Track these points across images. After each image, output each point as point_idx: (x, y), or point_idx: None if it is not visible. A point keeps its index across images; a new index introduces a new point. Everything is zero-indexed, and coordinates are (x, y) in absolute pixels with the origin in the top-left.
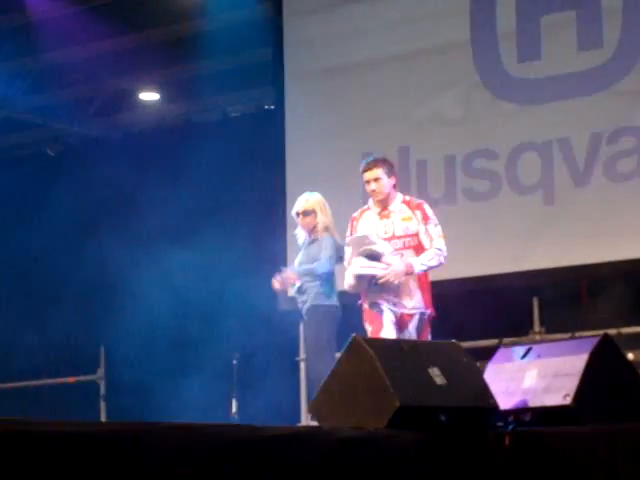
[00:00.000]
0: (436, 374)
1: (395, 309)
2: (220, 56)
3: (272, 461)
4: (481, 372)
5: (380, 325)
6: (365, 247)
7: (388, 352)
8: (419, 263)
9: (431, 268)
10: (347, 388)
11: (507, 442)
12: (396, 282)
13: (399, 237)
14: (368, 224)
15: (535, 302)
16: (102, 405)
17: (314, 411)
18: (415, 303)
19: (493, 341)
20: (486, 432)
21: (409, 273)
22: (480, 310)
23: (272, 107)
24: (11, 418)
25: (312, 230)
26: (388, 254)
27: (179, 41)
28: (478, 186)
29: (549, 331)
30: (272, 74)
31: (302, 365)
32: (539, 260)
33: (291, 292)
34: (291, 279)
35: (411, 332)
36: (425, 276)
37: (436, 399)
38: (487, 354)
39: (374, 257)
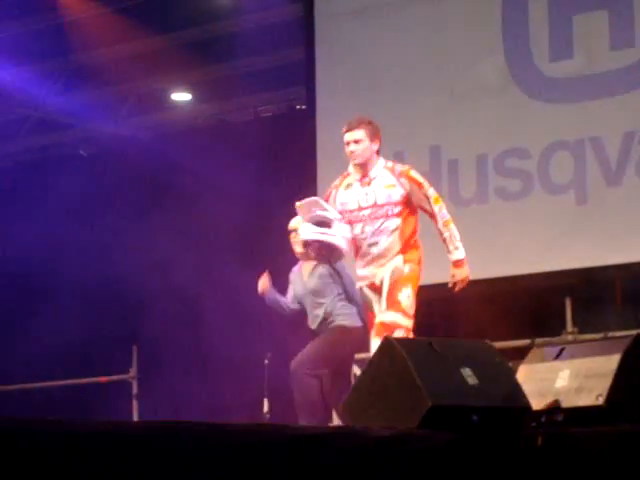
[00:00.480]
0: (468, 374)
1: (375, 280)
2: (252, 56)
3: (303, 461)
4: (513, 372)
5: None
6: (314, 213)
7: (420, 352)
8: (460, 248)
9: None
10: (378, 388)
11: (539, 442)
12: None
13: (381, 205)
14: (349, 194)
15: (568, 302)
16: (134, 404)
17: (346, 411)
18: (393, 267)
19: (525, 341)
20: (518, 433)
21: (466, 264)
22: (512, 310)
23: (303, 107)
24: (43, 418)
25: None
26: (337, 222)
27: (211, 41)
28: (510, 185)
29: (582, 331)
30: (304, 73)
31: None
32: (571, 260)
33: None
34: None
35: (383, 282)
36: (412, 237)
37: (468, 399)
38: (519, 354)
39: (324, 224)
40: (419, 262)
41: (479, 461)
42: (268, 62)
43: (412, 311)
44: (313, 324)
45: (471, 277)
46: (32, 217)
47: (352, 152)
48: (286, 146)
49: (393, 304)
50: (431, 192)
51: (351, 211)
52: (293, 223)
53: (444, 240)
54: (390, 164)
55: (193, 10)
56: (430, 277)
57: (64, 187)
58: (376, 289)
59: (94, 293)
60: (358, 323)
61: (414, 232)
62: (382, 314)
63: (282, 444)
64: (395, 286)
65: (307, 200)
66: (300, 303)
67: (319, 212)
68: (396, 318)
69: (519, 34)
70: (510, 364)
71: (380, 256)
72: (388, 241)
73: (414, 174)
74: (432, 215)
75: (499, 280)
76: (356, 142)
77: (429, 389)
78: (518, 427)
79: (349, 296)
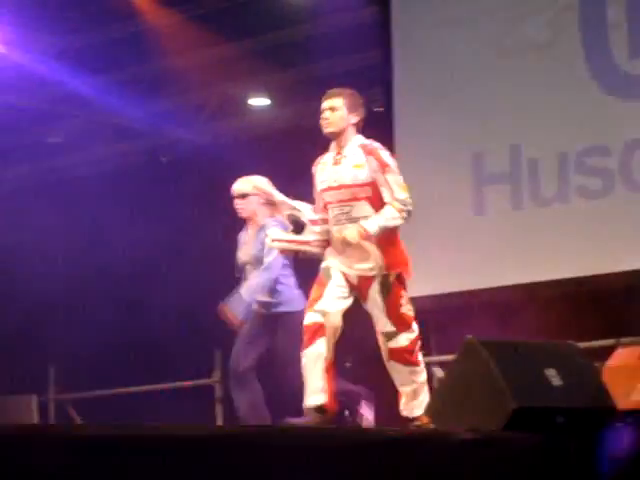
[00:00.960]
0: (552, 375)
1: (349, 272)
2: (329, 59)
3: (387, 463)
4: (599, 373)
5: (316, 292)
6: (289, 212)
7: (503, 353)
8: (375, 225)
9: (393, 227)
10: (462, 390)
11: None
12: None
13: (347, 186)
14: (324, 173)
15: None
16: (218, 408)
17: (429, 414)
18: (373, 265)
19: (610, 341)
20: (604, 433)
21: (364, 238)
22: (597, 310)
23: (381, 109)
24: (126, 423)
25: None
26: (308, 220)
27: (288, 45)
28: (591, 184)
29: None
30: (381, 75)
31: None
32: None
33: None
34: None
35: (375, 298)
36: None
37: (553, 401)
38: (604, 355)
39: (298, 225)
40: (404, 263)
41: (565, 462)
42: (345, 65)
43: (413, 309)
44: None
45: (554, 277)
46: (124, 222)
47: (325, 119)
48: None
49: (401, 323)
50: (398, 178)
51: (324, 190)
52: (238, 187)
53: (384, 203)
54: (367, 142)
55: (269, 15)
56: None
57: (144, 194)
58: (352, 286)
59: (180, 297)
60: (301, 306)
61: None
62: (395, 340)
63: (366, 447)
64: (392, 300)
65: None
66: (240, 273)
67: (291, 212)
68: (411, 336)
69: (598, 32)
70: (595, 364)
71: (354, 249)
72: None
73: (383, 153)
74: (390, 197)
75: (583, 279)
76: (332, 109)
77: (513, 391)
78: (604, 428)
79: (291, 265)
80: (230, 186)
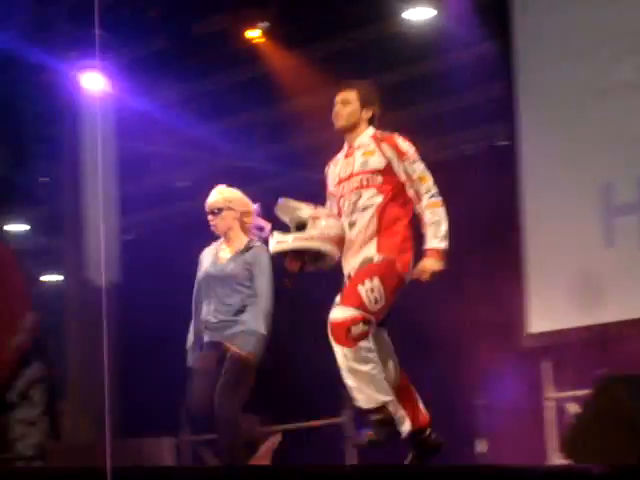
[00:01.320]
0: None
1: (347, 269)
2: (453, 94)
3: None
4: None
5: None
6: (293, 216)
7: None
8: (442, 238)
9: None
10: (598, 425)
11: None
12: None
13: (357, 174)
14: (335, 169)
15: None
16: (348, 448)
17: (566, 449)
18: (365, 256)
19: None
20: None
21: (443, 259)
22: None
23: (505, 143)
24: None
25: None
26: (312, 220)
27: (408, 83)
28: None
29: None
30: (503, 109)
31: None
32: None
33: None
34: None
35: (351, 271)
36: (397, 223)
37: None
38: None
39: (301, 226)
40: (400, 253)
41: None
42: (467, 99)
43: (377, 307)
44: (216, 315)
45: None
46: None
47: (336, 113)
48: (490, 182)
49: (349, 298)
50: (417, 166)
51: (336, 185)
52: (212, 200)
53: (425, 225)
54: (379, 132)
55: (389, 54)
56: None
57: None
58: None
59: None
60: (253, 349)
61: (399, 217)
62: (332, 311)
63: None
64: (357, 277)
65: (280, 203)
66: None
67: (296, 213)
68: (347, 313)
69: None
70: None
71: (356, 240)
72: (364, 219)
73: (400, 141)
74: (415, 195)
75: None
76: (344, 103)
77: None
78: None
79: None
80: None
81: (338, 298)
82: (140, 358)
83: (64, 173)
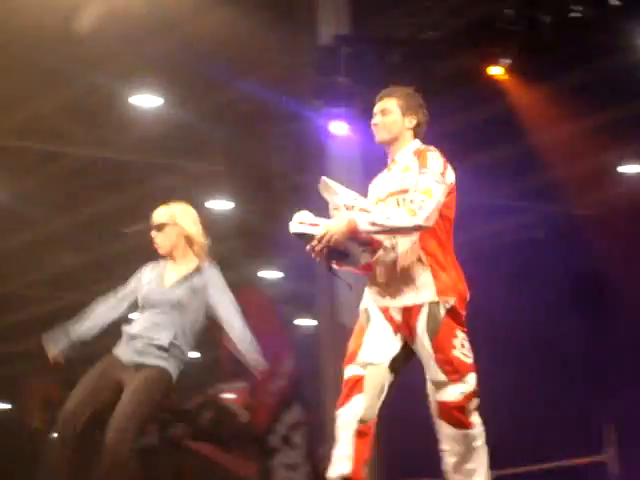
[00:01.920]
0: None
1: (392, 305)
2: None
3: None
4: None
5: (355, 341)
6: (332, 198)
7: None
8: (367, 220)
9: (392, 230)
10: None
11: None
12: (333, 241)
13: (393, 194)
14: (373, 187)
15: None
16: None
17: None
18: (422, 292)
19: None
20: None
21: (352, 231)
22: None
23: None
24: None
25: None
26: (343, 208)
27: None
28: None
29: None
30: None
31: None
32: None
33: None
34: None
35: (422, 337)
36: (443, 251)
37: None
38: None
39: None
40: (456, 284)
41: None
42: None
43: (472, 356)
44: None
45: None
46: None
47: (375, 125)
48: None
49: (454, 372)
50: (427, 179)
51: (374, 205)
52: (157, 217)
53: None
54: (423, 147)
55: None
56: None
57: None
58: (397, 325)
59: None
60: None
61: (442, 242)
62: (444, 391)
63: None
64: (443, 340)
65: (322, 182)
66: (130, 305)
67: (334, 198)
68: (464, 389)
69: None
70: None
71: (393, 269)
72: (404, 247)
73: (429, 154)
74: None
75: None
76: (383, 112)
77: None
78: None
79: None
80: (607, 256)
81: (431, 373)
82: None
83: None
